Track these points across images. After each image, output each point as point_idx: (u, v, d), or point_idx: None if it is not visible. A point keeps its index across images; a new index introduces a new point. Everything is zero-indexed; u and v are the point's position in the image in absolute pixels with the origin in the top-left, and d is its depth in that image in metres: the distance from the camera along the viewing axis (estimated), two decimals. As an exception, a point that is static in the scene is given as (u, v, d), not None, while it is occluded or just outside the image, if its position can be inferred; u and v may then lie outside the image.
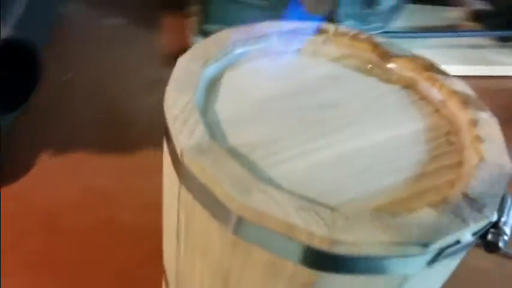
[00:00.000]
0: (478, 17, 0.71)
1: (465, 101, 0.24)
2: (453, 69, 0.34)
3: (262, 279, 0.20)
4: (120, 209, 0.39)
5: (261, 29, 0.27)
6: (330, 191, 0.19)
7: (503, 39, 0.67)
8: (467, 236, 0.18)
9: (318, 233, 0.17)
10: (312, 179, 0.20)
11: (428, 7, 0.69)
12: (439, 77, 0.26)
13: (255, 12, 0.59)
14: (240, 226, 0.18)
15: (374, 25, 0.59)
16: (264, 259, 0.19)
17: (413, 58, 0.27)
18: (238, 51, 0.26)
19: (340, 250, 0.17)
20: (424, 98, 0.25)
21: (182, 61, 0.24)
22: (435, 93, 0.25)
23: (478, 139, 0.22)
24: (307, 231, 0.17)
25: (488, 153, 0.21)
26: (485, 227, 0.19)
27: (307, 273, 0.18)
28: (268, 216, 0.17)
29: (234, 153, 0.20)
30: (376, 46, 0.28)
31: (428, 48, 0.49)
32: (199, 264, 0.23)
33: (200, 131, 0.20)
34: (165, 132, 0.22)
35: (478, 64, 0.61)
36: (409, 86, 0.26)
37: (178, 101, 0.21)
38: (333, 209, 0.18)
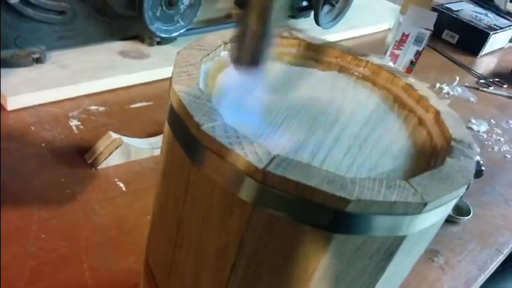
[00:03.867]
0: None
1: (392, 72, 0.30)
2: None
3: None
4: None
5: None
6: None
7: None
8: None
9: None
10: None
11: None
12: (360, 57, 0.31)
13: (51, 28, 0.54)
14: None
15: (178, 24, 0.61)
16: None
17: (331, 46, 0.31)
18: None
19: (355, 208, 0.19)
20: (361, 77, 0.30)
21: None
22: (365, 71, 0.30)
23: (423, 98, 0.28)
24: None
25: (439, 107, 0.28)
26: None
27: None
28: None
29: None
30: (300, 41, 0.31)
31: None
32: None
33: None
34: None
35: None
36: (342, 69, 0.31)
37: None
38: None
